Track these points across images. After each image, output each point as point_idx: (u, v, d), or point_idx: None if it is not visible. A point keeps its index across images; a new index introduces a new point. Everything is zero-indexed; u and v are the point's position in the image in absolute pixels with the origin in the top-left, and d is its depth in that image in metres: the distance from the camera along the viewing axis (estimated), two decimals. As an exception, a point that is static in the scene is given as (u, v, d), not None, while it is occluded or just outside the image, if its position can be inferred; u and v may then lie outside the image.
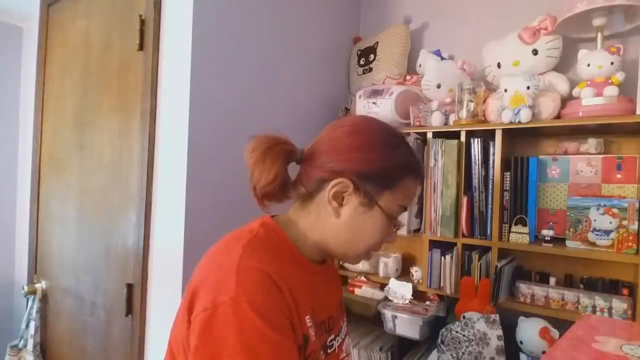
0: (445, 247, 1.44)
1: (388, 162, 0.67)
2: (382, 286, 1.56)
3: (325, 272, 0.76)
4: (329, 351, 0.70)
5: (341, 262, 1.69)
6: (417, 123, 1.53)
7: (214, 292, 0.56)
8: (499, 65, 1.42)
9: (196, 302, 0.58)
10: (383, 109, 1.56)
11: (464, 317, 1.28)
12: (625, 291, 1.23)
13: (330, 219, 0.67)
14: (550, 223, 1.37)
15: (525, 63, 1.36)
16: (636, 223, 1.18)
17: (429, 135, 1.47)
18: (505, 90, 1.30)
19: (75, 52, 1.62)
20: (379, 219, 0.67)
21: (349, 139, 0.67)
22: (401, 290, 1.50)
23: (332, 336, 0.72)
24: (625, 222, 1.19)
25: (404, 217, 1.48)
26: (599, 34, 1.28)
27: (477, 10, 1.65)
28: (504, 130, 1.33)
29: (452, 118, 1.46)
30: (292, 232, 0.69)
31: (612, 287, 1.25)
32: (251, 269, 0.58)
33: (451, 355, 1.18)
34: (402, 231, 1.48)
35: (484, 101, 1.42)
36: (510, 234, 1.33)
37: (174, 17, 1.30)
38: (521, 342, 1.21)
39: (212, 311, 0.55)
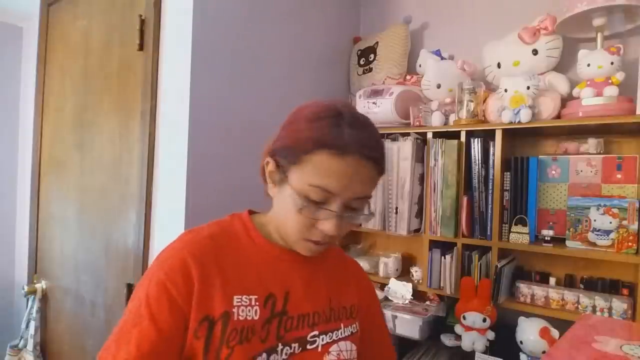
0: (445, 247, 1.44)
1: (296, 135, 0.64)
2: (382, 286, 1.56)
3: (315, 264, 0.75)
4: (308, 347, 0.68)
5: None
6: (417, 123, 1.53)
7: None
8: (499, 65, 1.42)
9: None
10: (383, 109, 1.56)
11: (464, 318, 1.28)
12: (625, 291, 1.23)
13: (273, 201, 0.71)
14: (550, 223, 1.37)
15: (525, 63, 1.36)
16: (636, 223, 1.18)
17: (429, 135, 1.47)
18: (505, 90, 1.30)
19: (75, 52, 1.62)
20: (291, 197, 0.64)
21: (285, 121, 0.70)
22: (401, 290, 1.50)
23: (316, 332, 0.70)
24: (625, 222, 1.19)
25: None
26: (599, 34, 1.28)
27: (477, 10, 1.65)
28: (504, 130, 1.33)
29: (452, 118, 1.46)
30: (260, 221, 0.74)
31: (612, 287, 1.26)
32: (171, 252, 0.66)
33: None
34: (402, 231, 1.49)
35: (484, 101, 1.42)
36: (510, 234, 1.33)
37: (174, 17, 1.30)
38: (521, 342, 1.21)
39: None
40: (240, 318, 0.63)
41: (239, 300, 0.64)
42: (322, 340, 0.71)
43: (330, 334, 0.72)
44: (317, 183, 0.61)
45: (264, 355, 0.63)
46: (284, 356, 0.65)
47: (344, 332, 0.74)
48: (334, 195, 0.62)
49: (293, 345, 0.67)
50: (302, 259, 0.72)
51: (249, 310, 0.65)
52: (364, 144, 0.62)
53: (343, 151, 0.61)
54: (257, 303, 0.65)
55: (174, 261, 0.64)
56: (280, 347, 0.65)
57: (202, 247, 0.66)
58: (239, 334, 0.62)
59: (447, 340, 1.38)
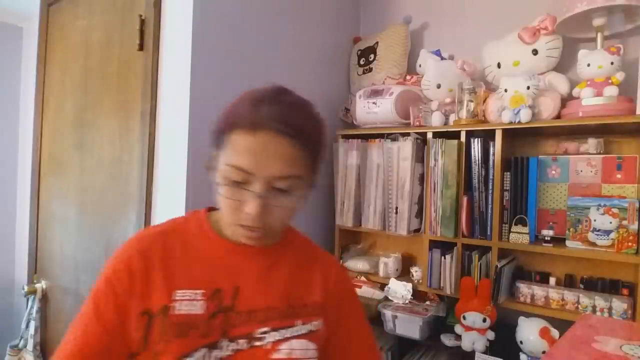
0: (445, 247, 1.44)
1: (220, 118, 0.67)
2: (382, 286, 1.56)
3: (274, 259, 0.73)
4: (256, 343, 0.66)
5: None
6: (417, 123, 1.53)
7: None
8: (499, 65, 1.42)
9: None
10: (383, 109, 1.56)
11: (464, 318, 1.28)
12: (625, 291, 1.23)
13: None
14: (550, 223, 1.37)
15: (525, 63, 1.36)
16: (636, 223, 1.18)
17: (429, 135, 1.47)
18: (505, 90, 1.30)
19: (75, 52, 1.62)
20: (218, 180, 0.65)
21: None
22: (401, 290, 1.50)
23: (267, 329, 0.67)
24: (625, 222, 1.19)
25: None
26: (599, 34, 1.28)
27: (477, 10, 1.65)
28: (504, 130, 1.33)
29: (452, 118, 1.46)
30: (215, 217, 0.74)
31: (612, 287, 1.26)
32: (122, 249, 0.68)
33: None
34: (402, 231, 1.49)
35: (484, 101, 1.42)
36: (510, 234, 1.33)
37: (174, 17, 1.30)
38: (521, 342, 1.21)
39: None
40: (180, 312, 0.63)
41: (182, 294, 0.64)
42: (272, 337, 0.67)
43: (282, 331, 0.68)
44: (232, 162, 0.62)
45: (203, 350, 0.62)
46: (228, 352, 0.64)
47: (300, 329, 0.70)
48: (252, 175, 0.61)
49: (239, 341, 0.65)
50: (258, 252, 0.71)
51: (192, 305, 0.64)
52: (278, 120, 0.61)
53: (254, 127, 0.61)
54: (203, 297, 0.65)
55: (121, 258, 0.67)
56: (223, 342, 0.64)
57: (149, 243, 0.68)
58: (176, 328, 0.62)
59: (447, 340, 1.38)
